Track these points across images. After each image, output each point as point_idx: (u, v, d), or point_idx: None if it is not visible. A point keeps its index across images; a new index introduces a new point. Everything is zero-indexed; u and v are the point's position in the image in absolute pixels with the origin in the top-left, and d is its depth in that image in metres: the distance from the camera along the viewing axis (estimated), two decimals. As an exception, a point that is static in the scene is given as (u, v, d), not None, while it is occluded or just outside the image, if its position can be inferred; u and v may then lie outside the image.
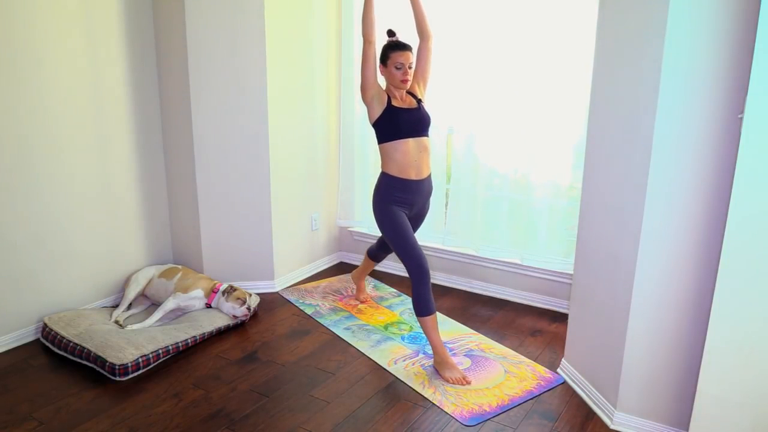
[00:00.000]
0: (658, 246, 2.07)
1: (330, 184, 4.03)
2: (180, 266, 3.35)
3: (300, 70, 3.56)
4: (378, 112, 2.72)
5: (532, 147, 3.28)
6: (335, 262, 4.18)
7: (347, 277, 3.84)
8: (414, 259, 2.64)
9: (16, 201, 2.79)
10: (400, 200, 2.76)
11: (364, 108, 2.86)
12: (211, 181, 3.40)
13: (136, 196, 3.37)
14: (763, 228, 1.72)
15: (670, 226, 2.04)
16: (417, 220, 2.93)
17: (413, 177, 2.75)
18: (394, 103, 2.74)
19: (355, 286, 3.58)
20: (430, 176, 2.85)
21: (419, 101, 2.82)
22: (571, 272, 3.09)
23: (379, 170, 2.83)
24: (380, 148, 2.78)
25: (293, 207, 3.71)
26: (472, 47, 3.34)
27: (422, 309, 2.63)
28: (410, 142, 2.72)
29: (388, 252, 3.24)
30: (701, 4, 1.85)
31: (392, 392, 2.54)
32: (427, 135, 2.80)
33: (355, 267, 3.96)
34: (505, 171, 3.41)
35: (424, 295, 2.62)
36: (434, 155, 3.40)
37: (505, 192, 3.43)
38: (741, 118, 1.75)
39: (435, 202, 3.19)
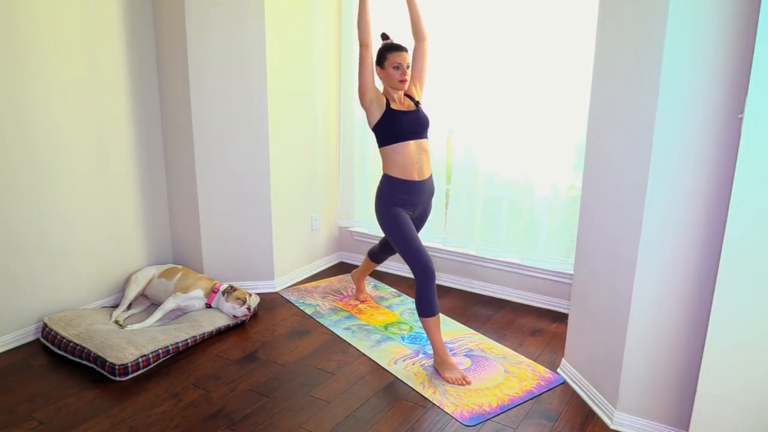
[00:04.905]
0: (658, 246, 2.07)
1: (330, 184, 4.03)
2: (180, 266, 3.35)
3: (300, 70, 3.56)
4: (377, 115, 2.72)
5: (532, 147, 3.28)
6: (335, 262, 4.18)
7: (347, 277, 3.84)
8: (420, 260, 2.63)
9: (15, 200, 2.79)
10: (403, 201, 2.75)
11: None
12: (211, 181, 3.40)
13: (137, 195, 3.37)
14: (763, 228, 1.72)
15: (671, 226, 2.04)
16: (420, 221, 2.92)
17: (416, 178, 2.75)
18: (393, 106, 2.74)
19: (354, 286, 3.58)
20: (431, 177, 2.85)
21: (417, 103, 2.82)
22: (571, 272, 3.09)
23: (380, 171, 2.83)
24: (381, 152, 2.78)
25: (293, 207, 3.71)
26: (472, 47, 3.34)
27: (426, 310, 2.63)
28: (411, 144, 2.72)
29: (390, 253, 3.24)
30: (701, 4, 1.85)
31: (392, 392, 2.54)
32: (426, 137, 2.80)
33: (355, 267, 3.96)
34: (505, 171, 3.41)
35: (429, 296, 2.62)
36: (434, 156, 3.40)
37: (505, 192, 3.43)
38: (741, 118, 1.75)
39: (435, 202, 3.19)
